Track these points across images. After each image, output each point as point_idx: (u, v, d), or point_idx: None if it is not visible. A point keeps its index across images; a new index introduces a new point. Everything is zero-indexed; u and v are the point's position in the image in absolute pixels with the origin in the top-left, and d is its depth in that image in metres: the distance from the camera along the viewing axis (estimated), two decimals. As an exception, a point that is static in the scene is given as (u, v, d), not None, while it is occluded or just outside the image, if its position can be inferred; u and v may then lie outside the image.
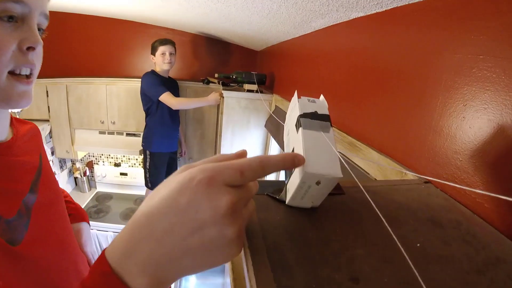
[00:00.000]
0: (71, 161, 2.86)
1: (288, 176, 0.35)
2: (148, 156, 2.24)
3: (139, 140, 2.46)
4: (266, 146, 2.04)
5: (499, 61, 0.41)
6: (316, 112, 0.37)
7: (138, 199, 2.77)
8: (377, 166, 0.66)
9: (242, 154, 0.27)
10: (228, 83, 2.14)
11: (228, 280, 0.56)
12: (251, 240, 0.28)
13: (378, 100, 0.72)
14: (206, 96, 2.04)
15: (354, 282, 0.25)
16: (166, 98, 1.99)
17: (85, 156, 2.84)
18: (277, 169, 0.25)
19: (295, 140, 0.35)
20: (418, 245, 0.30)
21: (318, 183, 0.30)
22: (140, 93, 2.11)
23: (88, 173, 2.79)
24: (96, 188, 2.88)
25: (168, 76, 2.21)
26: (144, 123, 2.23)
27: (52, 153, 2.54)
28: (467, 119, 0.45)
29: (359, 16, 0.83)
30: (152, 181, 2.29)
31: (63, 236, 0.58)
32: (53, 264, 0.51)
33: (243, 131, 1.98)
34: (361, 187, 0.32)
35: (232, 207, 0.22)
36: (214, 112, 2.56)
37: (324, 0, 0.81)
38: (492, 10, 0.42)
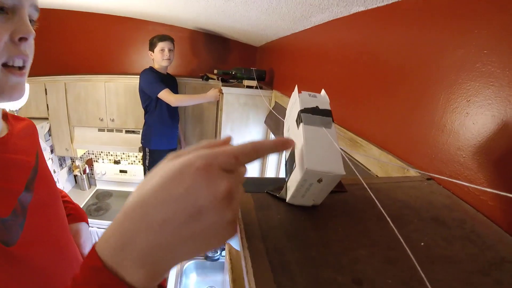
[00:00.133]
0: (71, 159, 2.85)
1: (288, 173, 0.35)
2: (147, 154, 2.23)
3: (138, 137, 2.45)
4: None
5: (503, 56, 0.40)
6: (317, 107, 0.36)
7: (138, 197, 2.76)
8: (378, 163, 0.65)
9: (228, 140, 0.29)
10: (227, 79, 2.13)
11: (227, 278, 0.56)
12: (250, 241, 0.27)
13: (379, 95, 0.71)
14: (205, 93, 2.02)
15: (357, 284, 0.24)
16: (165, 95, 1.97)
17: (84, 153, 2.83)
18: (268, 153, 0.26)
19: (295, 136, 0.34)
20: (422, 244, 0.30)
21: (319, 180, 0.29)
22: (139, 91, 2.09)
23: (87, 170, 2.78)
24: (96, 185, 2.87)
25: (167, 73, 2.20)
26: (143, 120, 2.22)
27: (52, 151, 2.53)
28: (470, 115, 0.44)
29: (360, 10, 0.82)
30: (151, 179, 2.28)
31: (60, 236, 0.56)
32: (49, 265, 0.50)
33: (242, 128, 1.97)
34: (365, 184, 0.31)
35: (229, 191, 0.23)
36: (214, 109, 2.54)
37: (324, -6, 0.80)
38: (496, 4, 0.41)
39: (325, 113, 0.35)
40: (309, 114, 0.34)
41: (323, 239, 0.29)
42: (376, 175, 0.65)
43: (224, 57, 2.72)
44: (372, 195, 0.29)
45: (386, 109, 0.68)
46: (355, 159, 0.74)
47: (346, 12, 0.89)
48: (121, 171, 2.84)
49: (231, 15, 1.52)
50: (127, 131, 2.59)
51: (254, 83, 1.88)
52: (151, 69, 2.09)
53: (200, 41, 2.65)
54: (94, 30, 2.49)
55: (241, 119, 1.94)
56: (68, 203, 0.76)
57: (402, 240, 0.24)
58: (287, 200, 0.35)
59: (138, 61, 2.62)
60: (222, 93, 1.89)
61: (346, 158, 0.31)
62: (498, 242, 0.32)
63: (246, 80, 1.91)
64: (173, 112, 2.20)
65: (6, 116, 0.53)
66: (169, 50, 2.04)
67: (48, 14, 2.32)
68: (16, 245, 0.43)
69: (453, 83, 0.48)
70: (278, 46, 1.86)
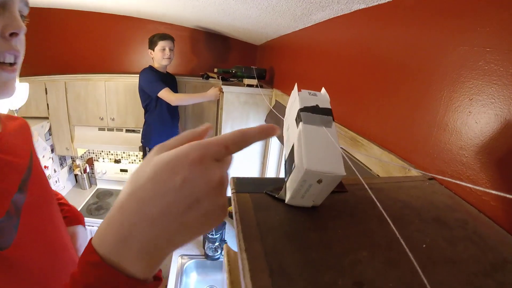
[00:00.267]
0: (71, 158, 2.86)
1: (288, 173, 0.34)
2: (147, 153, 2.23)
3: (138, 136, 2.44)
4: (266, 141, 2.03)
5: (507, 54, 0.39)
6: (317, 106, 0.35)
7: (139, 196, 2.76)
8: (379, 162, 0.64)
9: (208, 128, 0.30)
10: (227, 78, 2.12)
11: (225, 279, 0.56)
12: (248, 243, 0.27)
13: (380, 93, 0.71)
14: (206, 92, 2.02)
15: (358, 287, 0.23)
16: (165, 94, 1.97)
17: (85, 153, 2.83)
18: (256, 140, 0.27)
19: (295, 135, 0.34)
20: (424, 246, 0.29)
21: (319, 181, 0.29)
22: (139, 90, 2.09)
23: (88, 170, 2.78)
24: (96, 185, 2.88)
25: (166, 72, 2.19)
26: (143, 119, 2.21)
27: (52, 151, 2.53)
28: (473, 113, 0.44)
29: (360, 8, 0.81)
30: (152, 178, 2.28)
31: (55, 238, 0.55)
32: (44, 267, 0.49)
33: (242, 126, 1.91)
34: (365, 185, 0.31)
35: (221, 179, 0.24)
36: (214, 108, 2.54)
37: (325, -9, 0.79)
38: (499, 1, 0.41)
39: (325, 112, 0.35)
40: (309, 113, 0.34)
41: (323, 240, 0.28)
42: (377, 175, 0.64)
43: (224, 56, 2.71)
44: (372, 195, 0.29)
45: (388, 108, 0.67)
46: (356, 159, 0.73)
47: (347, 10, 0.88)
48: (121, 170, 2.84)
49: (231, 13, 1.51)
50: (127, 130, 2.59)
51: (254, 81, 1.87)
52: (151, 68, 2.08)
53: (200, 40, 2.64)
54: (94, 29, 2.48)
55: (241, 118, 1.93)
56: (64, 205, 0.75)
57: (402, 242, 0.23)
58: (286, 201, 0.34)
59: (138, 60, 2.61)
60: (222, 92, 1.89)
61: (347, 158, 0.30)
62: (501, 243, 0.32)
63: (246, 79, 1.90)
64: (173, 111, 2.20)
65: None
66: (170, 49, 2.04)
67: (48, 14, 2.32)
68: (10, 248, 0.42)
69: (455, 82, 0.48)
70: (278, 44, 1.85)
